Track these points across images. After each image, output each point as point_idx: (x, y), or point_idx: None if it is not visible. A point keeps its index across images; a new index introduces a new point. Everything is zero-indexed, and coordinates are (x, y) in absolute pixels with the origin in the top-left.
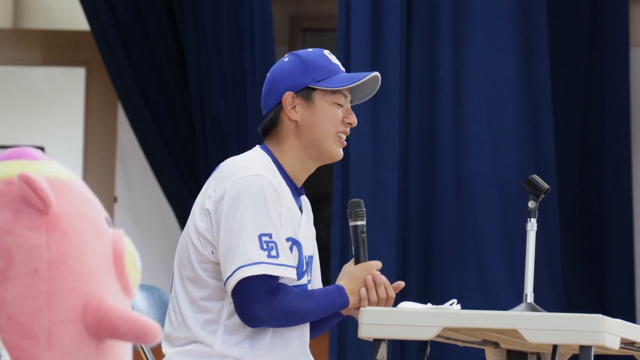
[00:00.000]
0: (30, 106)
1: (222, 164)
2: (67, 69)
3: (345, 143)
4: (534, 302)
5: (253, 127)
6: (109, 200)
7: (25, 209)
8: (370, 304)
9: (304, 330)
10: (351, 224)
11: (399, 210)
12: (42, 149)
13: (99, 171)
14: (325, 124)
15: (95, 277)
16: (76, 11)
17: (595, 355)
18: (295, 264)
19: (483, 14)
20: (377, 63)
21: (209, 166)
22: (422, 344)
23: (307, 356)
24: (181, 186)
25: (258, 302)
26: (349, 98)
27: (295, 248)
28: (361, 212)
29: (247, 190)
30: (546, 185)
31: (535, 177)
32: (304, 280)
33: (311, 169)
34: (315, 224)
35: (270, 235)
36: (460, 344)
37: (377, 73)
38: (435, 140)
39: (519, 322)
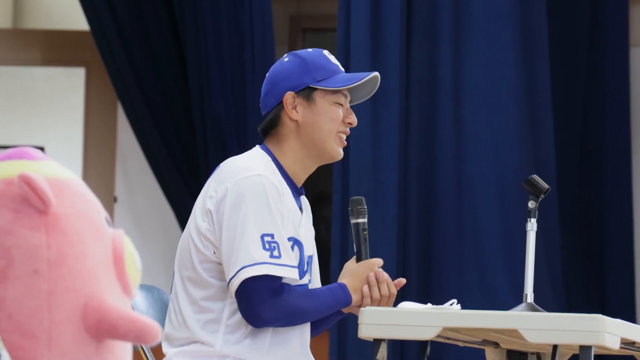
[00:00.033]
0: (30, 106)
1: (222, 164)
2: (67, 69)
3: (346, 143)
4: (534, 302)
5: (253, 127)
6: (109, 200)
7: (25, 209)
8: (372, 301)
9: (305, 329)
10: (353, 221)
11: (399, 210)
12: (42, 149)
13: (99, 171)
14: (326, 123)
15: (95, 277)
16: (76, 11)
17: (595, 355)
18: (296, 263)
19: (483, 14)
20: (377, 63)
21: (209, 166)
22: (422, 344)
23: (307, 355)
24: (181, 186)
25: (262, 302)
26: (349, 98)
27: (296, 248)
28: (363, 210)
29: (249, 190)
30: (546, 185)
31: (535, 177)
32: (305, 280)
33: (311, 169)
34: (315, 224)
35: (272, 236)
36: (461, 344)
37: (376, 73)
38: (435, 140)
39: (519, 322)
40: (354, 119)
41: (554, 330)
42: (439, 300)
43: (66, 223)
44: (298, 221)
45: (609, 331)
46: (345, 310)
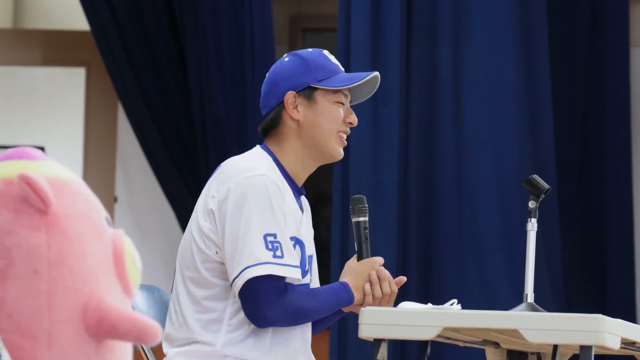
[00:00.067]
0: (30, 106)
1: (223, 164)
2: (67, 69)
3: (346, 143)
4: (534, 302)
5: (253, 127)
6: (109, 200)
7: (25, 209)
8: (374, 299)
9: (306, 328)
10: (354, 220)
11: (399, 210)
12: (42, 149)
13: (99, 171)
14: (327, 123)
15: (95, 277)
16: (76, 11)
17: (595, 355)
18: (299, 263)
19: (483, 14)
20: (377, 63)
21: (209, 166)
22: (422, 344)
23: (308, 354)
24: (181, 186)
25: (266, 302)
26: (349, 98)
27: (298, 247)
28: (364, 208)
29: (252, 190)
30: (546, 185)
31: (535, 177)
32: (306, 279)
33: (312, 169)
34: (315, 224)
35: (275, 235)
36: (461, 344)
37: (377, 73)
38: (435, 140)
39: (519, 322)
40: (354, 119)
41: (554, 330)
42: (439, 300)
43: (66, 223)
44: (299, 221)
45: (609, 331)
46: (346, 310)
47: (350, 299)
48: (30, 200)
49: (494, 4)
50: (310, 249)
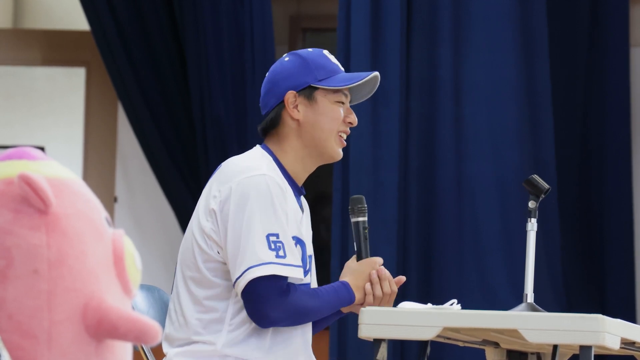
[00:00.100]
0: (30, 106)
1: (224, 164)
2: (67, 69)
3: (345, 143)
4: (534, 302)
5: (253, 127)
6: (109, 200)
7: (25, 209)
8: (375, 298)
9: (306, 328)
10: (353, 220)
11: (399, 210)
12: (42, 149)
13: (99, 171)
14: (328, 123)
15: (95, 277)
16: (76, 11)
17: (595, 355)
18: (301, 263)
19: (483, 14)
20: (377, 63)
21: (209, 166)
22: (422, 344)
23: (309, 354)
24: (181, 186)
25: (269, 302)
26: (349, 97)
27: (299, 246)
28: (363, 208)
29: (254, 190)
30: (546, 185)
31: (535, 177)
32: (307, 279)
33: (311, 169)
34: (315, 224)
35: (277, 235)
36: (461, 344)
37: (377, 73)
38: (435, 140)
39: (519, 322)
40: (354, 119)
41: (554, 330)
42: (439, 300)
43: (66, 223)
44: (300, 220)
45: (609, 331)
46: (346, 310)
47: (351, 299)
48: (30, 200)
49: (494, 4)
50: (311, 249)
